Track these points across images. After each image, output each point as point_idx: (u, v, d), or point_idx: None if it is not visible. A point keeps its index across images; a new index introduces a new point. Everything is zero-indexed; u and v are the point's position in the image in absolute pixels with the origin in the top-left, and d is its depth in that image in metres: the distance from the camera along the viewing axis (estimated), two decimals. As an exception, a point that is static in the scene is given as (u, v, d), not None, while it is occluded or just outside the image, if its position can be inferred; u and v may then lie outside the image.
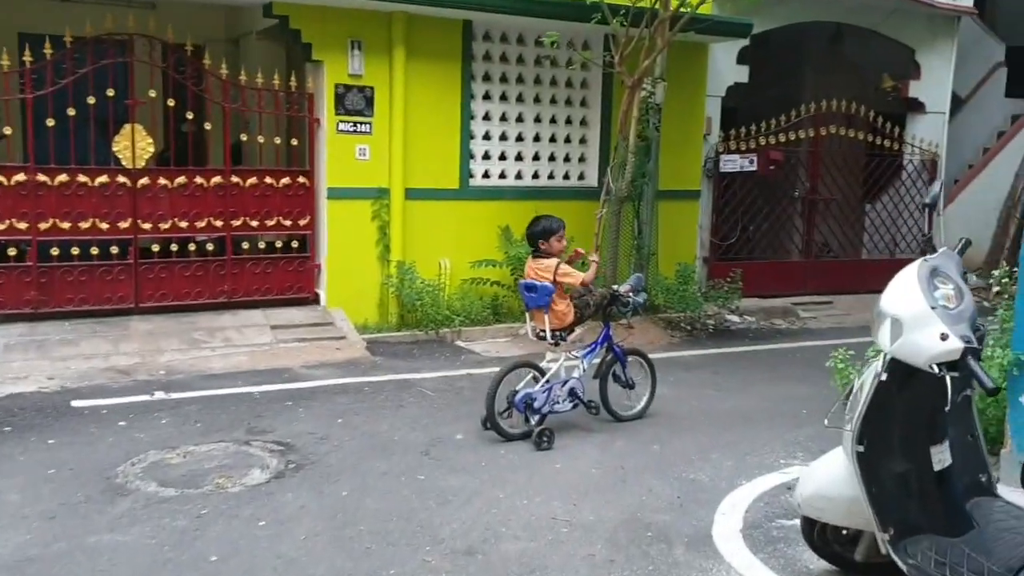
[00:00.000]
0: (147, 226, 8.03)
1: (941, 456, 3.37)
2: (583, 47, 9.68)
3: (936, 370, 3.08)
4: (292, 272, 8.68)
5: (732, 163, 10.80)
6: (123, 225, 7.93)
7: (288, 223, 8.61)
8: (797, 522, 3.95)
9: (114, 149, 7.88)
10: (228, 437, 5.59)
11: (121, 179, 7.91)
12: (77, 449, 5.30)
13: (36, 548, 4.00)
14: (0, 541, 4.06)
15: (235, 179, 8.35)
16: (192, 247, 8.34)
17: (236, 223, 8.36)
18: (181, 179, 8.15)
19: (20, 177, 7.54)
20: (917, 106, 12.52)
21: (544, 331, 5.76)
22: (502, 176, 9.68)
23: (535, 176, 9.87)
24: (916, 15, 12.03)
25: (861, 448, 3.30)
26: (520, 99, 9.68)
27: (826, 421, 3.60)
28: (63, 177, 7.69)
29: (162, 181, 8.07)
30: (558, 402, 5.75)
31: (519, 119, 9.70)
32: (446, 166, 9.24)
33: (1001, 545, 3.22)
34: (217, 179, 8.28)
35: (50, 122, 7.50)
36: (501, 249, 9.32)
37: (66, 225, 7.71)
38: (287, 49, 9.48)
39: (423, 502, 4.62)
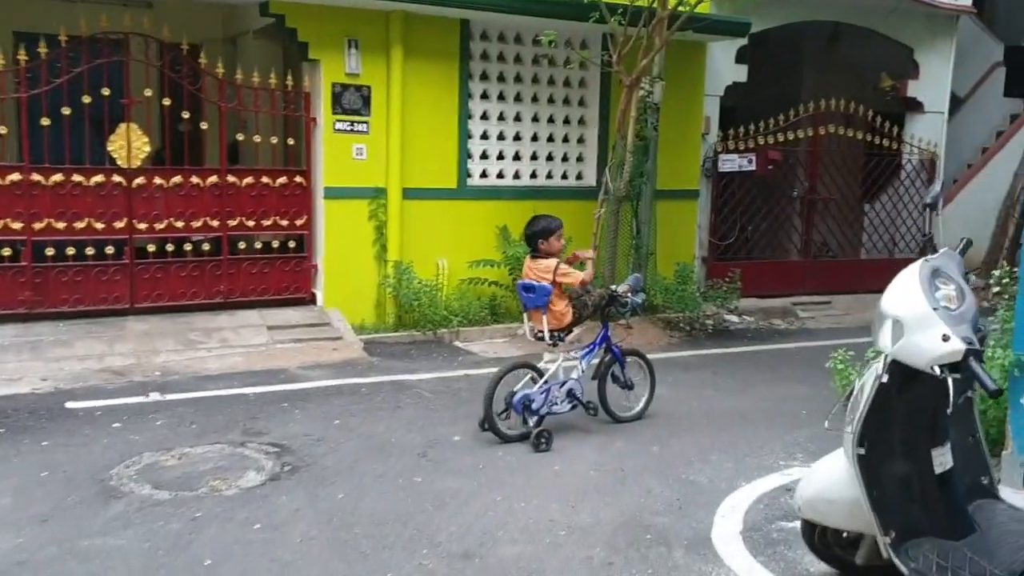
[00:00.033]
0: (143, 226, 7.98)
1: (942, 458, 3.34)
2: (581, 46, 9.64)
3: (938, 372, 3.05)
4: (289, 272, 8.64)
5: (731, 163, 10.77)
6: (118, 225, 7.89)
7: (285, 223, 8.57)
8: (797, 524, 3.92)
9: (109, 149, 7.84)
10: (223, 439, 5.54)
11: (116, 179, 7.86)
12: (71, 451, 5.26)
13: (27, 552, 3.95)
14: (-8, 545, 4.02)
15: (231, 179, 8.31)
16: (188, 247, 8.30)
17: (232, 223, 8.31)
18: (177, 179, 8.11)
19: (15, 176, 7.50)
20: (916, 105, 12.50)
21: (542, 332, 5.73)
22: (500, 176, 9.64)
23: (533, 176, 9.84)
24: (915, 14, 12.00)
25: (862, 450, 3.26)
26: (518, 98, 9.64)
27: (826, 423, 3.57)
28: (58, 177, 7.64)
29: (158, 181, 8.03)
30: (556, 403, 5.71)
31: (517, 118, 9.66)
32: (444, 165, 9.20)
33: (1003, 548, 3.19)
34: (213, 179, 8.24)
35: (45, 121, 7.46)
36: (499, 249, 9.29)
37: (61, 225, 7.67)
38: (284, 48, 9.44)
39: (420, 505, 4.58)
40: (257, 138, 8.49)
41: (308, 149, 8.69)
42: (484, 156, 9.52)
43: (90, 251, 7.85)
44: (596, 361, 6.05)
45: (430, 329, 8.60)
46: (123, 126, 7.83)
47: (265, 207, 8.46)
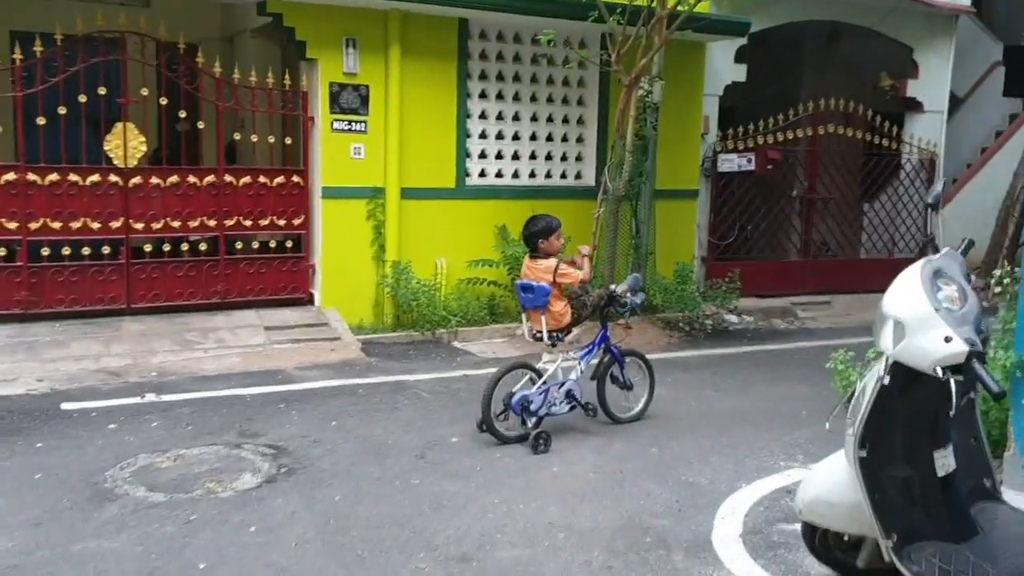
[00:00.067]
0: (139, 226, 7.94)
1: (945, 461, 3.30)
2: (580, 46, 9.60)
3: (940, 374, 3.01)
4: (286, 272, 8.60)
5: (730, 162, 10.74)
6: (115, 225, 7.85)
7: (282, 223, 8.53)
8: (798, 527, 3.88)
9: (106, 148, 7.80)
10: (219, 440, 5.51)
11: (113, 178, 7.82)
12: (65, 453, 5.22)
13: (19, 556, 3.91)
14: (-16, 548, 3.98)
15: (228, 178, 8.27)
16: (185, 247, 8.26)
17: (229, 223, 8.28)
18: (174, 178, 8.07)
19: (10, 176, 7.46)
20: (915, 105, 12.47)
21: (541, 332, 5.69)
22: (499, 175, 9.60)
23: (532, 175, 9.81)
24: (914, 14, 11.98)
25: (863, 453, 3.23)
26: (516, 98, 9.61)
27: (827, 425, 3.53)
28: (54, 176, 7.60)
29: (154, 180, 7.99)
30: (555, 404, 5.67)
31: (516, 118, 9.63)
32: (442, 165, 9.16)
33: (1007, 551, 3.16)
34: (210, 178, 8.20)
35: (41, 121, 7.43)
36: (498, 248, 9.25)
37: (57, 225, 7.63)
38: (282, 47, 9.40)
39: (417, 507, 4.54)
40: (254, 137, 8.44)
41: (306, 149, 8.65)
42: (483, 155, 9.49)
43: (86, 251, 7.80)
44: (595, 361, 6.01)
45: (428, 329, 8.56)
46: (120, 125, 7.79)
47: (262, 207, 8.42)
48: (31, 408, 6.05)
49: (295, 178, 8.57)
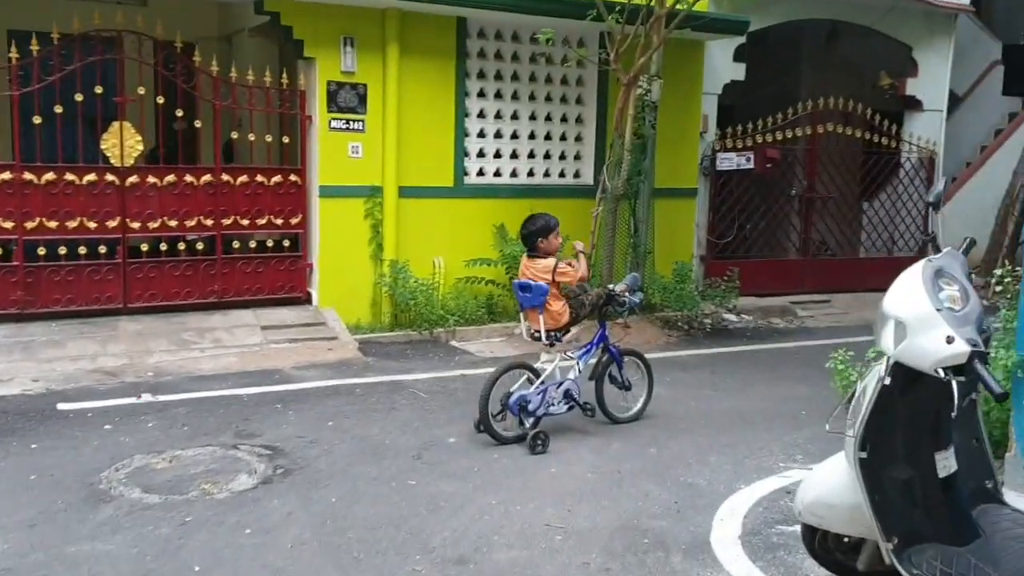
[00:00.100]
0: (136, 225, 7.91)
1: (946, 462, 3.27)
2: (578, 44, 9.55)
3: (942, 374, 2.98)
4: (284, 271, 8.57)
5: (729, 161, 10.71)
6: (111, 224, 7.82)
7: (279, 222, 8.50)
8: (797, 528, 3.85)
9: (102, 147, 7.77)
10: (215, 441, 5.47)
11: (109, 177, 7.79)
12: (60, 454, 5.19)
13: (13, 558, 3.88)
14: (-23, 550, 3.95)
15: (226, 177, 8.24)
16: (182, 246, 8.23)
17: (227, 222, 8.24)
18: (171, 177, 8.04)
19: (6, 175, 7.42)
20: (915, 104, 12.46)
21: (539, 332, 5.66)
22: (497, 174, 9.57)
23: (530, 174, 9.78)
24: (913, 13, 11.95)
25: (864, 454, 3.19)
26: (515, 97, 9.57)
27: (827, 426, 3.50)
28: (50, 175, 7.57)
29: (151, 179, 7.96)
30: (553, 404, 5.64)
31: (514, 117, 9.60)
32: (440, 164, 9.13)
33: (1009, 555, 3.12)
34: (207, 177, 8.17)
35: (37, 119, 7.38)
36: (496, 247, 9.22)
37: (53, 224, 7.60)
38: (280, 46, 9.37)
39: (414, 509, 4.51)
40: (252, 136, 8.43)
41: (303, 147, 8.62)
42: (481, 154, 9.46)
43: (83, 250, 7.78)
44: (593, 361, 5.98)
45: (426, 329, 8.53)
46: (116, 124, 7.76)
47: (260, 206, 8.39)
48: (27, 408, 6.02)
49: (292, 177, 8.54)
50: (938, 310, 3.06)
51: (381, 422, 5.96)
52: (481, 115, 9.40)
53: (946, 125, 12.73)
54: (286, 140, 8.68)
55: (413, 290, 8.60)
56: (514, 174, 9.66)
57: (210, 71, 8.07)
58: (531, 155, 9.76)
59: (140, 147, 7.89)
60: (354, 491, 4.74)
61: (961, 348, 2.95)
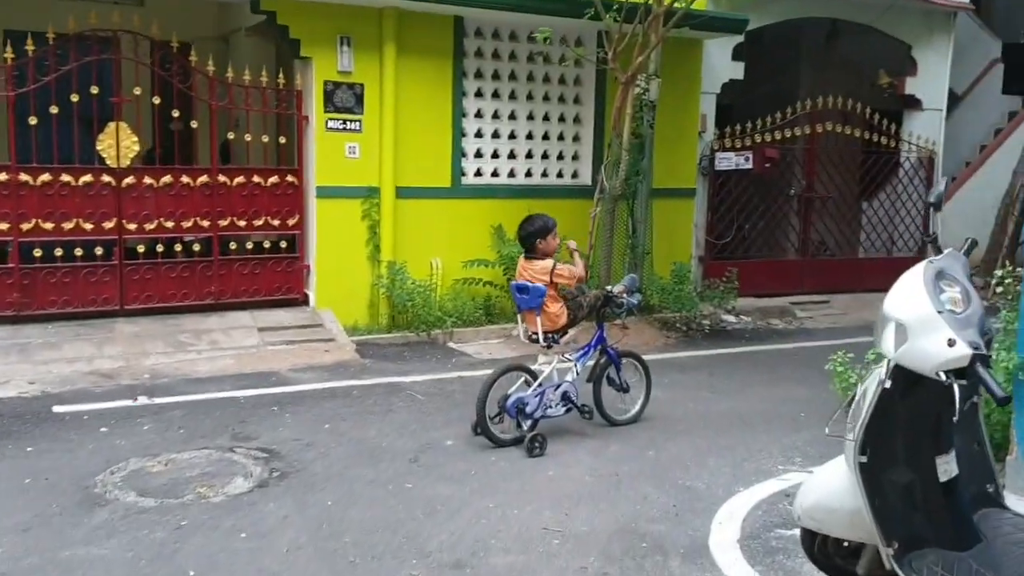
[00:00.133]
0: (132, 226, 7.88)
1: (947, 466, 3.24)
2: (576, 43, 9.52)
3: (943, 378, 2.95)
4: (280, 273, 8.53)
5: (727, 161, 10.68)
6: (108, 225, 7.78)
7: (276, 223, 8.47)
8: (796, 532, 3.80)
9: (98, 148, 7.73)
10: (211, 444, 5.44)
11: (105, 178, 7.76)
12: (56, 457, 5.15)
13: (7, 563, 3.85)
14: (-30, 555, 3.92)
15: (222, 178, 8.21)
16: (178, 248, 8.19)
17: (223, 223, 8.21)
18: (167, 178, 8.01)
19: (2, 177, 7.39)
20: (914, 103, 12.43)
21: (536, 333, 5.62)
22: (494, 174, 9.53)
23: (528, 174, 9.74)
24: (912, 11, 11.93)
25: (864, 458, 3.16)
26: (513, 96, 9.54)
27: (827, 429, 3.47)
28: (46, 176, 7.53)
29: (148, 180, 7.93)
30: (551, 406, 5.61)
31: (512, 116, 9.56)
32: (437, 164, 9.10)
33: (1010, 560, 3.09)
34: (204, 178, 8.13)
35: (32, 120, 7.35)
36: (494, 248, 9.19)
37: (49, 226, 7.56)
38: (277, 46, 9.34)
39: (410, 512, 4.48)
40: (248, 137, 8.40)
41: (300, 148, 8.59)
42: (478, 154, 9.42)
43: (79, 252, 7.74)
44: (591, 363, 5.95)
45: (424, 330, 8.50)
46: (112, 125, 7.72)
47: (256, 207, 8.35)
48: (22, 411, 5.99)
49: (289, 178, 8.51)
50: (939, 312, 3.03)
51: (378, 424, 5.93)
52: (479, 115, 9.36)
53: (945, 124, 12.70)
54: (283, 140, 8.64)
55: (410, 291, 8.56)
56: (512, 174, 9.62)
57: (206, 71, 8.04)
58: (529, 155, 9.72)
59: (136, 148, 7.85)
60: (350, 494, 4.70)
61: (963, 351, 2.92)
